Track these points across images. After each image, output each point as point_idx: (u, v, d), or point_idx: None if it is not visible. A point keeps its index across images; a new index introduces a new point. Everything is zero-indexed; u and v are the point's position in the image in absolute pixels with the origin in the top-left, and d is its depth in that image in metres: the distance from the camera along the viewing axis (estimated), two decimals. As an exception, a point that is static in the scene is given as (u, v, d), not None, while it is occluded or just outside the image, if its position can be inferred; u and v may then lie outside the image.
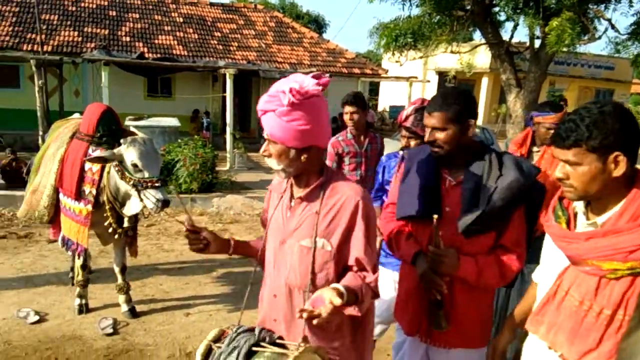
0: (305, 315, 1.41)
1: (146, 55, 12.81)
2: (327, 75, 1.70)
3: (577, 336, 1.41)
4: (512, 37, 10.23)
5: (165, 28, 15.13)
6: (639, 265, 1.29)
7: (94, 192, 3.58)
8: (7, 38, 12.58)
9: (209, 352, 1.57)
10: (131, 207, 3.56)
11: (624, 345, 1.36)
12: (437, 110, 1.85)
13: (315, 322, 1.42)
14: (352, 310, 1.60)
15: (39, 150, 4.19)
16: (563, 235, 1.46)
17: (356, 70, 15.73)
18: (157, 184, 3.34)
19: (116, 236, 3.74)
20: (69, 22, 13.99)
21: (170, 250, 5.75)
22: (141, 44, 13.98)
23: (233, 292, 4.59)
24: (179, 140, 8.93)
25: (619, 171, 1.34)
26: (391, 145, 5.59)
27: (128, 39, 14.11)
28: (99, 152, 3.45)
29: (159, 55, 13.14)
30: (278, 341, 1.59)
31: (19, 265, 4.95)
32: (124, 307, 3.98)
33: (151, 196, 3.32)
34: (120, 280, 3.99)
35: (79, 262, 3.89)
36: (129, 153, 3.34)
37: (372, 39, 10.58)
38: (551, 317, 1.49)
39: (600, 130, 1.32)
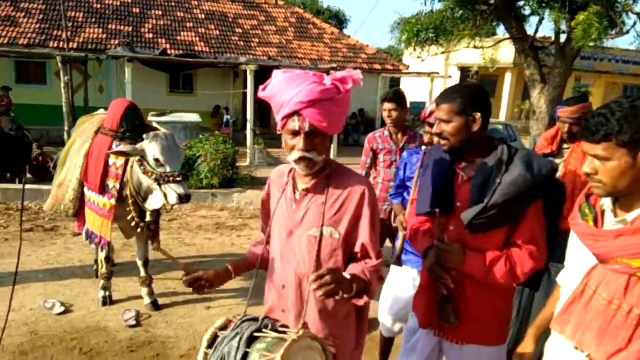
0: (314, 285, 1.44)
1: (168, 51, 12.95)
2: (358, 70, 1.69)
3: (605, 336, 1.37)
4: (536, 31, 10.02)
5: (187, 24, 15.27)
6: None
7: (117, 186, 3.64)
8: (34, 35, 12.86)
9: (214, 339, 1.60)
10: (153, 202, 3.60)
11: None
12: (442, 102, 1.89)
13: (322, 291, 1.44)
14: (364, 299, 1.65)
15: (65, 145, 4.27)
16: (590, 233, 1.43)
17: (377, 66, 15.63)
18: (178, 179, 3.38)
19: (138, 230, 3.79)
20: (93, 19, 14.23)
21: (191, 245, 5.82)
22: (163, 41, 14.13)
23: (252, 286, 4.60)
24: (200, 136, 9.02)
25: None
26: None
27: (151, 35, 14.29)
28: (122, 147, 3.50)
29: (181, 52, 13.27)
30: (280, 328, 1.61)
31: (45, 258, 5.07)
32: (146, 300, 4.04)
33: (172, 190, 3.36)
34: (142, 273, 4.06)
35: (102, 255, 3.96)
36: (151, 148, 3.38)
37: (393, 34, 10.45)
38: (578, 317, 1.45)
39: (631, 125, 1.30)
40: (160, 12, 15.46)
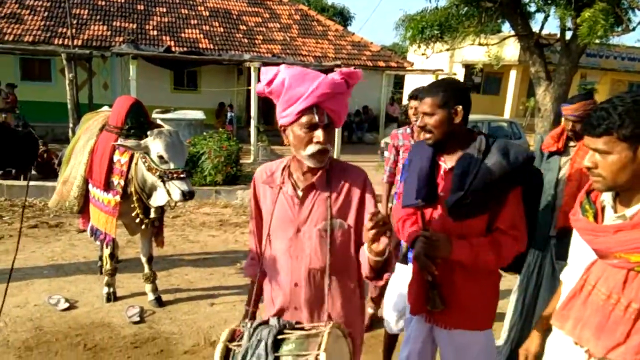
0: (370, 224, 1.40)
1: (173, 48, 12.97)
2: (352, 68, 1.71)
3: (604, 331, 1.39)
4: (542, 28, 9.95)
5: (192, 22, 15.27)
6: None
7: (122, 183, 3.65)
8: (39, 32, 12.89)
9: (227, 353, 1.58)
10: (157, 198, 3.62)
11: None
12: (426, 95, 1.97)
13: (382, 244, 1.42)
14: (386, 276, 1.63)
15: (70, 142, 4.29)
16: (590, 228, 1.45)
17: (381, 64, 15.60)
18: (182, 176, 3.39)
19: (143, 226, 3.81)
20: (98, 17, 14.26)
21: (195, 241, 5.83)
22: (168, 38, 14.14)
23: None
24: (204, 133, 9.03)
25: None
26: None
27: (155, 32, 14.30)
28: (126, 142, 3.51)
29: (185, 49, 13.28)
30: (297, 326, 1.61)
31: (49, 254, 5.10)
32: (151, 296, 4.06)
33: (176, 187, 3.37)
34: (147, 269, 4.07)
35: (107, 252, 3.98)
36: (155, 144, 3.38)
37: (397, 31, 10.41)
38: (577, 312, 1.47)
39: (632, 119, 1.31)
40: (164, 10, 15.47)
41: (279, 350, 1.50)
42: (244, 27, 15.79)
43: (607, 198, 1.48)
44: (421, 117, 1.98)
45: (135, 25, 14.32)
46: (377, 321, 3.81)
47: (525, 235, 1.97)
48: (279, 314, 1.78)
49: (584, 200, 1.53)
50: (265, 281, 1.88)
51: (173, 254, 5.31)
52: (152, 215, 3.80)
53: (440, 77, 14.71)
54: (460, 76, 20.66)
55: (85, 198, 3.96)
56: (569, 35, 9.13)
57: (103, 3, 14.86)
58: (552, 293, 1.89)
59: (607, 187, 1.40)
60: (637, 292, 1.34)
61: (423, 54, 10.19)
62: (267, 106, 15.73)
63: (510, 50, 17.07)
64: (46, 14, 13.71)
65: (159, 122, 4.04)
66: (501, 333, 3.61)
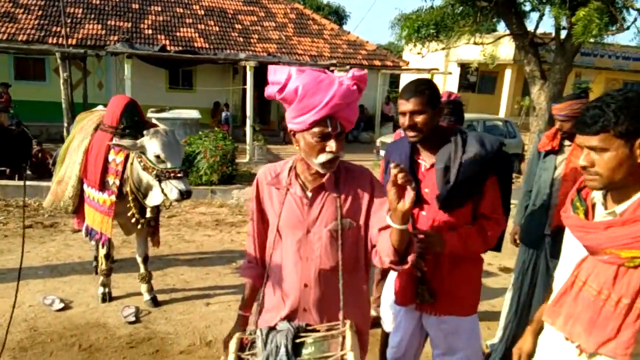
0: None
1: (168, 47, 12.94)
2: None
3: (595, 326, 1.40)
4: (537, 27, 9.99)
5: (187, 21, 15.23)
6: None
7: (118, 182, 3.63)
8: (33, 31, 12.83)
9: None
10: (153, 198, 3.60)
11: None
12: (413, 95, 2.01)
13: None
14: (409, 261, 1.59)
15: (64, 141, 4.27)
16: (581, 225, 1.46)
17: (377, 63, 15.62)
18: (179, 175, 3.38)
19: (139, 226, 3.79)
20: (92, 16, 14.20)
21: (191, 241, 5.82)
22: (163, 37, 14.11)
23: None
24: (200, 133, 9.01)
25: None
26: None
27: (150, 31, 14.26)
28: (122, 141, 3.49)
29: (180, 48, 13.26)
30: (309, 328, 1.61)
31: (44, 254, 5.07)
32: (146, 296, 4.04)
33: (173, 187, 3.36)
34: (142, 269, 4.06)
35: (102, 252, 3.96)
36: (152, 144, 3.37)
37: (393, 31, 10.43)
38: (569, 308, 1.48)
39: (626, 116, 1.32)
40: (159, 8, 15.42)
41: (301, 355, 1.50)
42: (240, 26, 15.76)
43: (597, 195, 1.50)
44: (409, 116, 2.03)
45: (130, 24, 14.27)
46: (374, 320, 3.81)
47: (504, 216, 2.18)
48: (287, 317, 1.75)
49: (574, 198, 1.55)
50: (269, 284, 1.83)
51: (169, 254, 5.29)
52: (148, 215, 3.79)
53: (435, 76, 14.73)
54: (455, 75, 20.72)
55: (80, 198, 3.94)
56: (563, 34, 9.17)
57: (97, 2, 14.80)
58: (547, 291, 1.89)
59: (603, 185, 1.40)
60: (628, 287, 1.35)
61: (419, 53, 10.21)
62: (262, 105, 15.75)
63: (505, 49, 17.13)
64: (40, 12, 13.64)
65: (154, 121, 4.03)
66: (497, 331, 3.63)
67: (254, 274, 1.89)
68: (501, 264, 5.38)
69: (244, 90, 12.28)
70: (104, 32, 13.65)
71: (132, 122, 3.64)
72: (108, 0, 15.00)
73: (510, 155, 2.26)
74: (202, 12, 15.88)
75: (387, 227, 1.54)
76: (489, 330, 3.86)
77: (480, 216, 2.11)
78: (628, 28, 8.65)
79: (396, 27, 10.32)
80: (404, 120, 2.06)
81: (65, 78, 9.35)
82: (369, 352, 3.41)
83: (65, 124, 9.06)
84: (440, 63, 20.36)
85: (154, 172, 3.39)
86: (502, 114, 20.00)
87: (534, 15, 10.14)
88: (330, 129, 1.58)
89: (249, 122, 11.22)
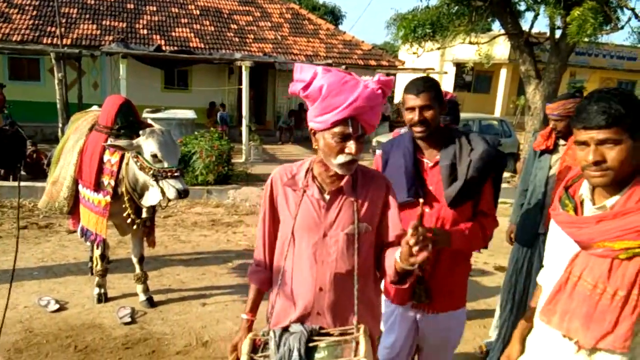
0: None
1: (163, 47, 12.91)
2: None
3: (593, 320, 1.41)
4: (532, 27, 10.03)
5: (182, 20, 15.20)
6: None
7: (113, 183, 3.62)
8: (28, 31, 12.78)
9: None
10: (149, 198, 3.60)
11: (637, 328, 1.37)
12: (424, 91, 2.03)
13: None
14: (409, 280, 1.65)
15: (59, 142, 4.25)
16: (573, 221, 1.48)
17: (372, 62, 15.65)
18: (176, 174, 3.39)
19: (134, 227, 3.78)
20: (87, 16, 14.15)
21: (187, 241, 5.81)
22: (158, 37, 14.07)
23: (248, 283, 4.61)
24: (195, 133, 8.99)
25: None
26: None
27: (145, 31, 14.22)
28: (118, 141, 3.48)
29: (176, 48, 13.23)
30: (322, 331, 1.61)
31: (39, 255, 5.05)
32: (142, 297, 4.03)
33: (171, 186, 3.37)
34: (138, 270, 4.04)
35: (97, 252, 3.95)
36: (148, 144, 3.37)
37: (389, 30, 10.45)
38: (564, 305, 1.48)
39: (630, 109, 1.35)
40: (154, 8, 15.38)
41: (313, 359, 1.50)
42: (235, 26, 15.74)
43: (585, 192, 1.51)
44: (419, 111, 2.03)
45: (125, 24, 14.23)
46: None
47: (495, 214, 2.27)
48: (300, 320, 1.73)
49: (563, 196, 1.56)
50: (281, 286, 1.79)
51: (164, 254, 5.28)
52: (144, 215, 3.78)
53: (431, 76, 14.79)
54: (451, 75, 20.74)
55: (75, 199, 3.92)
56: (558, 33, 9.20)
57: (92, 2, 14.75)
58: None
59: (612, 180, 1.39)
60: (623, 279, 1.36)
61: (414, 53, 10.23)
62: (258, 105, 15.74)
63: (501, 49, 17.15)
64: (35, 12, 13.58)
65: (149, 121, 4.02)
66: (490, 330, 3.64)
67: (261, 278, 1.87)
68: (496, 263, 5.40)
69: (240, 90, 12.27)
70: (99, 32, 13.61)
71: (127, 123, 3.63)
72: (103, 0, 14.95)
73: (505, 154, 2.33)
74: (198, 12, 15.85)
75: (399, 238, 1.62)
76: (485, 329, 3.87)
77: (480, 213, 2.16)
78: (622, 27, 8.69)
79: (392, 26, 10.34)
80: (412, 116, 2.06)
81: (60, 78, 9.32)
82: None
83: (60, 125, 9.04)
84: (435, 63, 20.39)
85: (151, 172, 3.39)
86: (497, 113, 20.06)
87: (529, 15, 10.24)
88: (351, 130, 1.57)
89: (244, 122, 11.21)
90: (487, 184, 2.14)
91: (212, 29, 15.28)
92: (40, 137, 11.63)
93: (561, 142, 2.96)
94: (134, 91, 10.44)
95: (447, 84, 22.06)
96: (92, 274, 4.37)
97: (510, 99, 20.87)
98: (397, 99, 24.06)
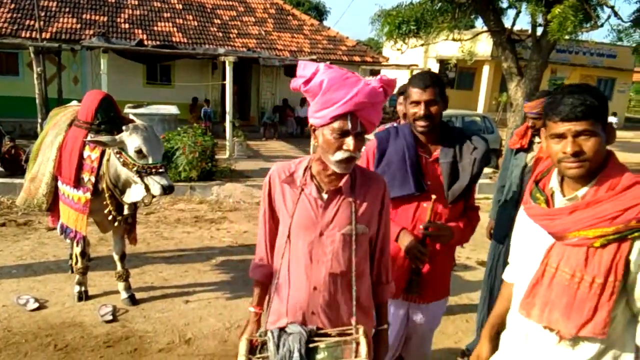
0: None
1: (145, 42, 12.71)
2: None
3: (573, 310, 1.43)
4: (514, 24, 10.12)
5: (165, 15, 15.00)
6: (624, 228, 1.35)
7: (93, 179, 3.57)
8: (6, 25, 12.49)
9: None
10: (132, 195, 3.55)
11: (614, 313, 1.41)
12: (431, 85, 2.05)
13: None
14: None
15: (38, 137, 4.17)
16: (546, 213, 1.50)
17: (356, 58, 15.64)
18: (161, 170, 3.36)
19: (116, 224, 3.74)
20: (67, 9, 13.87)
21: (169, 238, 5.76)
22: (140, 31, 13.87)
23: (232, 280, 4.60)
24: (179, 128, 8.90)
25: (612, 139, 1.45)
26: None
27: (127, 25, 14.00)
28: (100, 137, 3.43)
29: (158, 43, 13.03)
30: (320, 332, 1.60)
31: (18, 253, 4.96)
32: (124, 295, 3.99)
33: (155, 182, 3.33)
34: (119, 267, 4.00)
35: (78, 250, 3.89)
36: (132, 139, 3.33)
37: (373, 27, 10.43)
38: (543, 297, 1.50)
39: (600, 101, 1.41)
40: (136, 2, 15.14)
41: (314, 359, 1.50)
42: (219, 21, 15.59)
43: (554, 185, 1.55)
44: (424, 106, 2.05)
45: (106, 18, 13.99)
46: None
47: None
48: (294, 319, 1.72)
49: (533, 189, 1.59)
50: (277, 285, 1.78)
51: (147, 251, 5.23)
52: (126, 212, 3.73)
53: (415, 72, 14.82)
54: (434, 71, 20.82)
55: (54, 195, 3.86)
56: (539, 31, 9.30)
57: (72, -5, 14.46)
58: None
59: (587, 170, 1.43)
60: (599, 267, 1.39)
61: (398, 49, 10.24)
62: (242, 101, 15.63)
63: (483, 45, 17.29)
64: (13, 5, 13.27)
65: (131, 116, 3.97)
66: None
67: (264, 272, 1.86)
68: (479, 258, 5.46)
69: (223, 86, 12.17)
70: (79, 25, 13.36)
71: (108, 118, 3.58)
72: (83, -7, 14.68)
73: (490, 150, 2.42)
74: (180, 6, 15.65)
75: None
76: (467, 324, 3.91)
77: (469, 207, 2.27)
78: (602, 25, 8.84)
79: (376, 23, 10.33)
80: (417, 110, 2.07)
81: (39, 73, 9.12)
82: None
83: (39, 120, 8.85)
84: (419, 59, 20.47)
85: (135, 168, 3.35)
86: (480, 109, 20.23)
87: (511, 12, 10.33)
88: (350, 126, 1.57)
89: (228, 117, 11.12)
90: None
91: (195, 23, 15.12)
92: (18, 132, 11.41)
93: (536, 140, 3.00)
94: (115, 86, 10.28)
95: (430, 81, 22.14)
96: (72, 271, 4.30)
97: (493, 96, 21.07)
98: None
